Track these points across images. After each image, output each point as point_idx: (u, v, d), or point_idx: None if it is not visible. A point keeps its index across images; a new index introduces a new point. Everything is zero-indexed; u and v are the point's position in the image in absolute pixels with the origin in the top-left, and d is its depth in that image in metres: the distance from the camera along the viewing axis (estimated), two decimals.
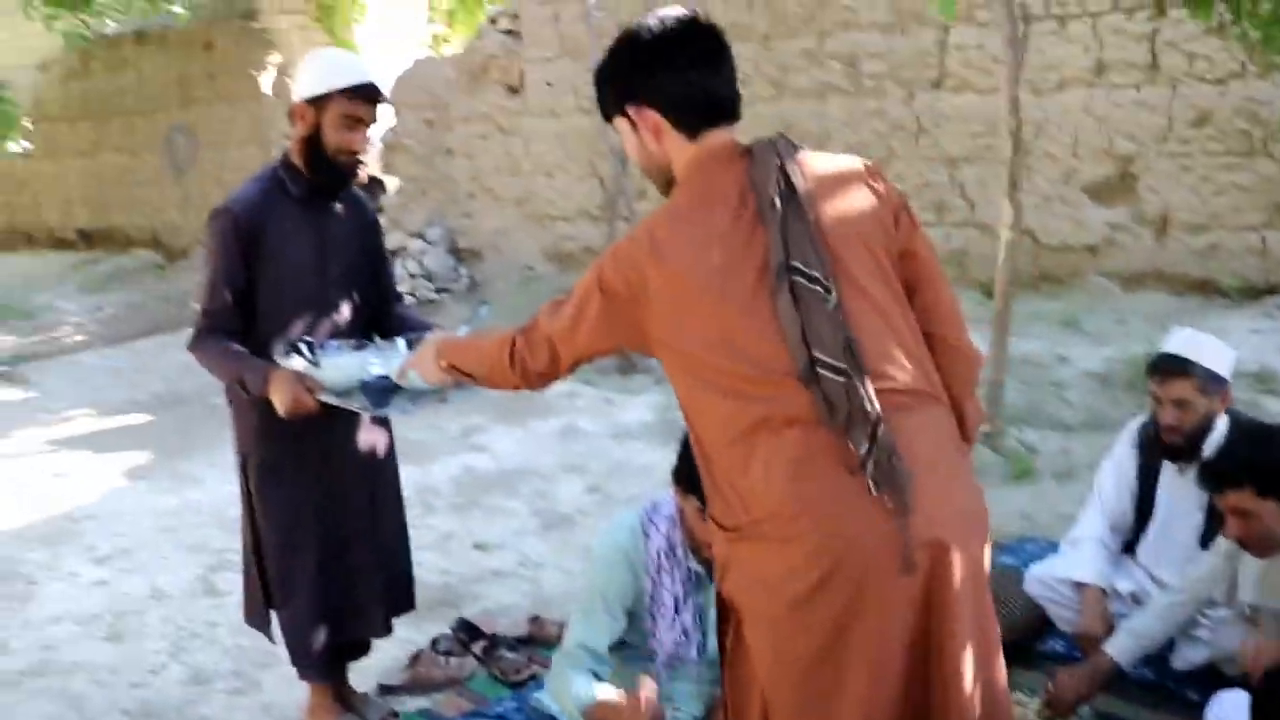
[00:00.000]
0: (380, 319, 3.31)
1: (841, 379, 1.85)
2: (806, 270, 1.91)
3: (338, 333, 3.15)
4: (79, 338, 11.80)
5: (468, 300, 10.56)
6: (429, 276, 11.05)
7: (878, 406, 1.84)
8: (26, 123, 13.97)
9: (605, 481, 5.94)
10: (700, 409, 1.99)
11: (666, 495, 3.04)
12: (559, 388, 7.61)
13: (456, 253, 11.47)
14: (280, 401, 2.89)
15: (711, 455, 1.97)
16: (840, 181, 2.06)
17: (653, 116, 2.11)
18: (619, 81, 2.15)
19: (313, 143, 3.04)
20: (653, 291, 1.98)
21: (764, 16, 9.05)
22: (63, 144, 17.31)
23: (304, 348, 2.92)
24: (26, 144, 13.15)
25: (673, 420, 6.69)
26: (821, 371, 1.86)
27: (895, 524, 1.83)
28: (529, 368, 2.19)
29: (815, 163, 2.06)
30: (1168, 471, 3.43)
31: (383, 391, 2.87)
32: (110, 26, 15.48)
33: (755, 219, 1.98)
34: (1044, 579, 3.53)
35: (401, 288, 11.02)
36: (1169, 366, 3.26)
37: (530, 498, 5.77)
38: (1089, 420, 5.84)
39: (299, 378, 2.88)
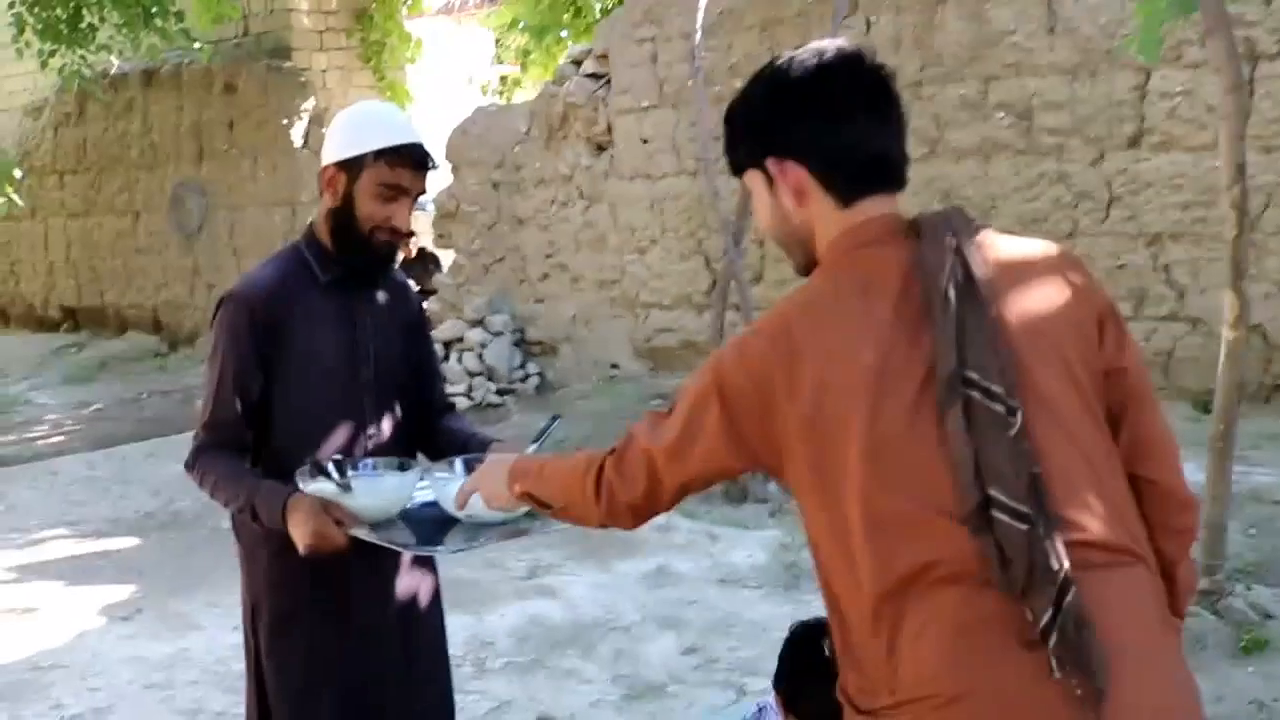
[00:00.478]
0: (427, 433, 3.31)
1: (1022, 526, 1.80)
2: (984, 384, 1.88)
3: (375, 450, 3.15)
4: (57, 439, 12.06)
5: (537, 406, 10.62)
6: (490, 375, 11.18)
7: (1066, 564, 1.78)
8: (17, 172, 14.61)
9: (706, 640, 5.85)
10: (837, 553, 1.94)
11: (772, 702, 3.01)
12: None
13: (524, 346, 11.61)
14: (300, 536, 2.86)
15: (848, 614, 1.94)
16: (1032, 272, 2.01)
17: (797, 174, 2.08)
18: (758, 126, 2.13)
19: (344, 216, 3.07)
20: (786, 399, 1.94)
21: (914, 57, 9.07)
22: (49, 202, 17.94)
23: (332, 468, 2.91)
24: (14, 197, 13.62)
25: (794, 563, 6.62)
26: (997, 515, 1.81)
27: (1083, 718, 1.75)
28: (619, 499, 2.16)
29: (1000, 247, 2.02)
30: None
31: (433, 524, 2.84)
32: (114, 64, 15.98)
33: (921, 314, 1.93)
34: None
35: (455, 389, 11.33)
36: None
37: (610, 659, 5.69)
38: None
39: (325, 506, 2.86)
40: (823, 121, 2.06)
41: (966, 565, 1.82)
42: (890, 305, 1.95)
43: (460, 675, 4.74)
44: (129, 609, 6.74)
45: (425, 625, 3.30)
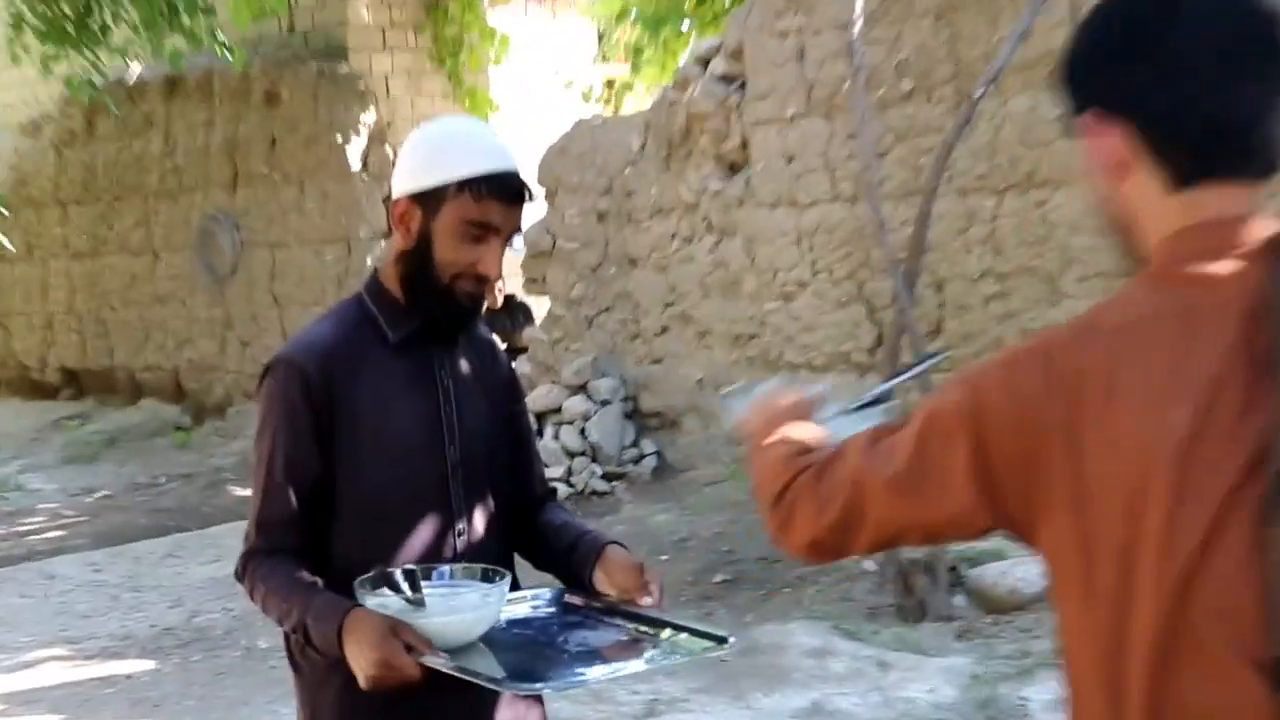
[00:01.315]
0: (524, 529, 3.34)
1: None
2: None
3: (466, 552, 3.16)
4: (54, 534, 12.22)
5: (654, 494, 10.58)
6: (595, 455, 11.22)
7: None
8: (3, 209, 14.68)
9: None
10: (1096, 678, 1.87)
11: None
12: (801, 638, 7.48)
13: (638, 418, 11.65)
14: (360, 665, 2.83)
15: None
16: None
17: (1119, 135, 1.92)
18: (1082, 61, 1.99)
19: (419, 260, 3.10)
20: (1063, 448, 1.85)
21: None
22: (49, 240, 18.38)
23: (400, 578, 2.92)
24: (2, 238, 13.80)
25: (992, 700, 6.52)
26: None
27: None
28: (798, 520, 2.14)
29: None
30: None
31: (527, 651, 2.85)
32: (131, 71, 16.23)
33: (1260, 374, 1.78)
34: None
35: (552, 473, 11.28)
36: None
37: None
38: None
39: (393, 627, 2.83)
40: (1172, 71, 1.88)
41: None
42: (1219, 352, 1.81)
43: None
44: None
45: None
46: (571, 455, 11.10)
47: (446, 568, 3.05)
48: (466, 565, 3.08)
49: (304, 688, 3.17)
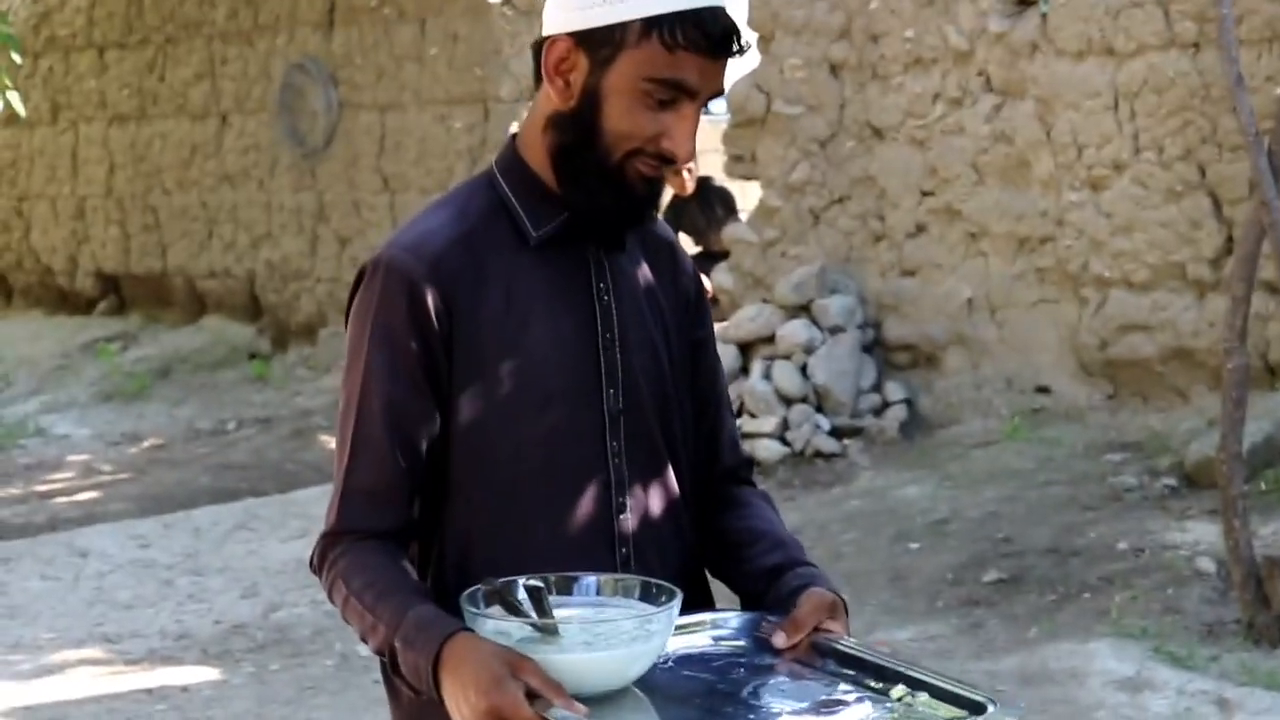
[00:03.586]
0: (706, 517, 3.32)
1: None
2: None
3: (625, 546, 3.16)
4: (87, 495, 12.47)
5: (902, 460, 10.55)
6: (820, 403, 11.23)
7: None
8: (16, 56, 14.69)
9: None
10: None
11: None
12: (1108, 663, 7.49)
13: (882, 352, 11.68)
14: (465, 714, 2.80)
15: None
16: None
17: None
18: None
19: (581, 128, 3.05)
20: None
21: None
22: (78, 97, 18.68)
23: (523, 594, 2.88)
24: (13, 98, 13.93)
25: None
26: None
27: None
28: None
29: None
30: None
31: (700, 701, 2.81)
32: None
33: None
34: None
35: (759, 426, 11.39)
36: None
37: None
38: None
39: (511, 665, 2.78)
40: None
41: None
42: None
43: None
44: None
45: None
46: (788, 402, 11.08)
47: (592, 579, 3.00)
48: (620, 577, 3.03)
49: (404, 707, 3.15)
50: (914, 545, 9.41)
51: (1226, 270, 9.20)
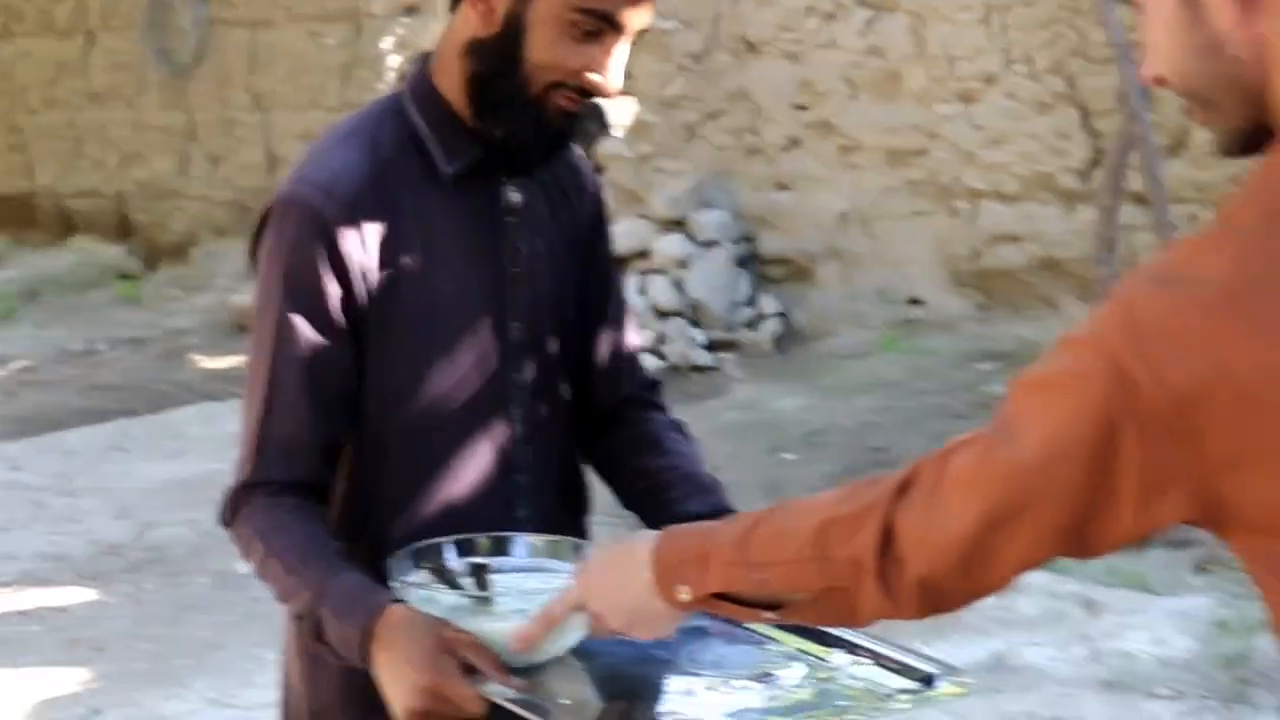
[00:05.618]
0: (608, 448, 3.30)
1: None
2: None
3: (531, 485, 3.14)
4: None
5: (779, 371, 10.61)
6: (696, 317, 11.26)
7: None
8: None
9: None
10: None
11: None
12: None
13: (757, 266, 11.71)
14: (400, 692, 2.77)
15: None
16: None
17: None
18: None
19: (501, 58, 2.99)
20: (1230, 398, 1.93)
21: None
22: None
23: (454, 555, 2.88)
24: None
25: (1242, 658, 6.61)
26: None
27: None
28: (911, 570, 2.17)
29: None
30: None
31: (644, 670, 2.79)
32: None
33: None
34: None
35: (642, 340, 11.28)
36: None
37: None
38: None
39: (445, 641, 2.76)
40: None
41: None
42: None
43: None
44: (79, 713, 6.80)
45: None
46: (664, 316, 11.17)
47: (525, 540, 2.99)
48: (554, 539, 3.00)
49: (305, 651, 3.09)
50: (789, 456, 9.51)
51: (1095, 182, 9.38)
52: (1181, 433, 1.94)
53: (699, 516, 3.00)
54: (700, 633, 2.89)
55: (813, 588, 2.29)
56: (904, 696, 2.75)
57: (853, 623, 2.37)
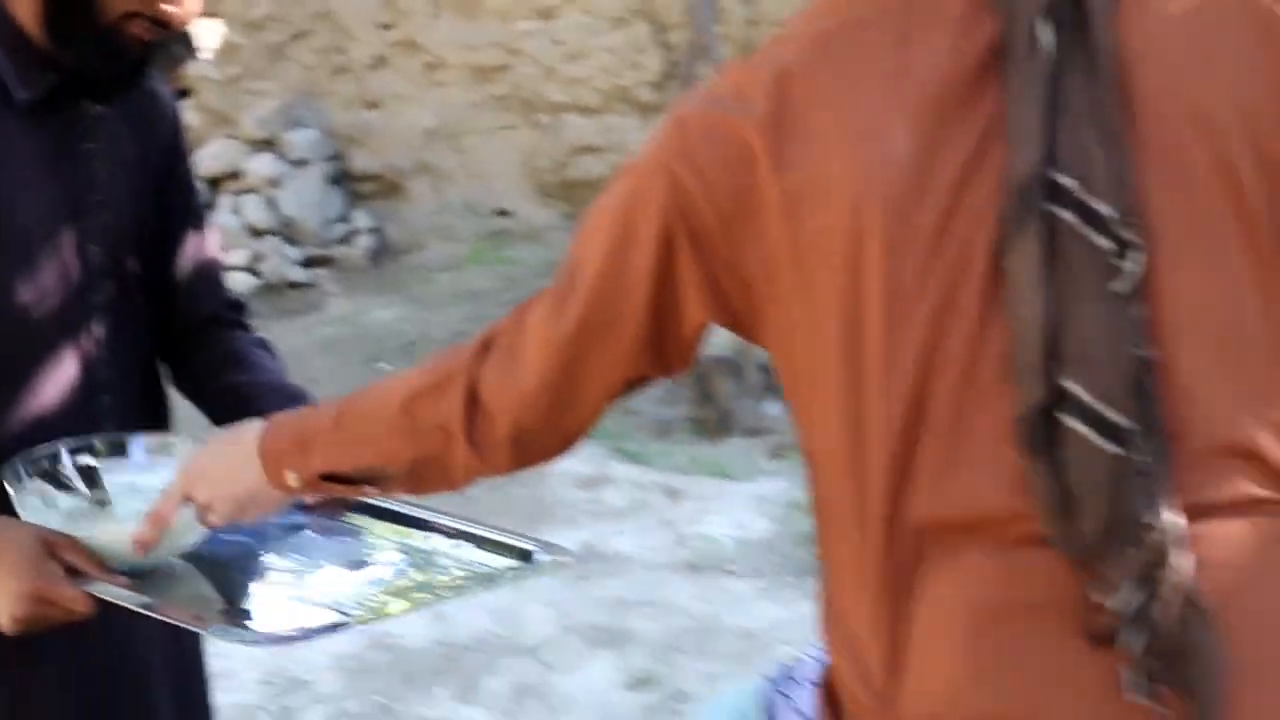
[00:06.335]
0: (192, 366, 3.29)
1: (1111, 447, 1.84)
2: (1085, 199, 1.88)
3: (114, 406, 3.10)
4: None
5: (374, 285, 10.67)
6: (289, 234, 11.24)
7: (1175, 518, 1.83)
8: None
9: (667, 665, 6.03)
10: (836, 473, 2.03)
11: (812, 653, 3.10)
12: (569, 464, 7.72)
13: (348, 183, 11.73)
14: (4, 602, 2.72)
15: (839, 569, 2.05)
16: (1205, 13, 2.00)
17: None
18: None
19: None
20: (776, 206, 1.98)
21: None
22: None
23: (67, 461, 2.86)
24: None
25: (806, 532, 6.76)
26: (1071, 425, 1.85)
27: None
28: (500, 426, 2.22)
29: None
30: None
31: (248, 567, 2.81)
32: None
33: (989, 68, 1.95)
34: None
35: (232, 259, 11.12)
36: None
37: (507, 698, 5.87)
38: None
39: (47, 545, 2.73)
40: None
41: (1007, 504, 1.88)
42: (943, 51, 1.95)
43: None
44: None
45: (184, 666, 3.30)
46: (258, 235, 11.10)
47: (141, 440, 2.96)
48: (166, 439, 3.00)
49: None
50: (385, 366, 9.55)
51: (669, 93, 9.44)
52: (726, 242, 1.99)
53: (272, 393, 3.08)
54: (299, 529, 2.89)
55: (407, 458, 2.31)
56: (509, 572, 2.82)
57: (450, 486, 2.32)
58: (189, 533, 2.70)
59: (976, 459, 1.88)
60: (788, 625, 5.99)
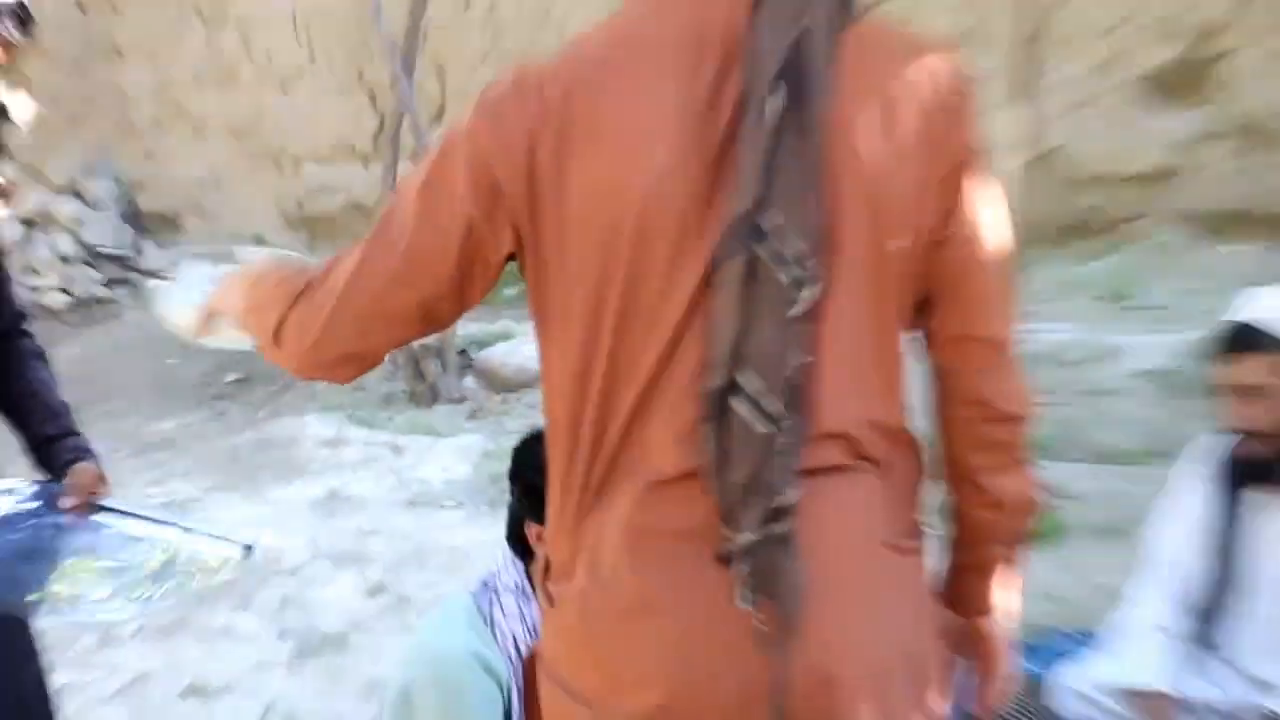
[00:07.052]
0: None
1: (763, 426, 1.90)
2: (779, 243, 1.90)
3: None
4: None
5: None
6: (92, 259, 11.06)
7: (796, 493, 1.91)
8: None
9: (396, 576, 6.08)
10: (555, 397, 2.06)
11: (503, 562, 3.14)
12: (316, 429, 7.71)
13: (136, 219, 11.58)
14: None
15: (554, 469, 2.08)
16: (898, 88, 2.01)
17: None
18: None
19: None
20: (545, 186, 1.99)
21: None
22: None
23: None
24: None
25: (502, 475, 6.73)
26: (736, 405, 1.91)
27: (767, 655, 1.92)
28: (309, 328, 2.16)
29: (875, 43, 2.02)
30: (1256, 507, 3.55)
31: (26, 557, 2.69)
32: None
33: (733, 123, 1.95)
34: (1081, 688, 3.71)
35: (47, 282, 11.06)
36: (1237, 340, 3.41)
37: (274, 609, 5.87)
38: (1148, 445, 5.96)
39: None
40: None
41: (680, 455, 1.95)
42: (702, 98, 1.95)
43: (79, 650, 4.80)
44: None
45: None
46: (67, 262, 10.91)
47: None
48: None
49: None
50: (172, 361, 9.49)
51: (380, 146, 9.57)
52: (514, 197, 1.96)
53: (49, 438, 2.95)
54: (63, 527, 2.79)
55: (248, 316, 2.26)
56: (232, 562, 2.82)
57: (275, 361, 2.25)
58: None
59: (665, 414, 1.96)
60: (485, 545, 6.03)
